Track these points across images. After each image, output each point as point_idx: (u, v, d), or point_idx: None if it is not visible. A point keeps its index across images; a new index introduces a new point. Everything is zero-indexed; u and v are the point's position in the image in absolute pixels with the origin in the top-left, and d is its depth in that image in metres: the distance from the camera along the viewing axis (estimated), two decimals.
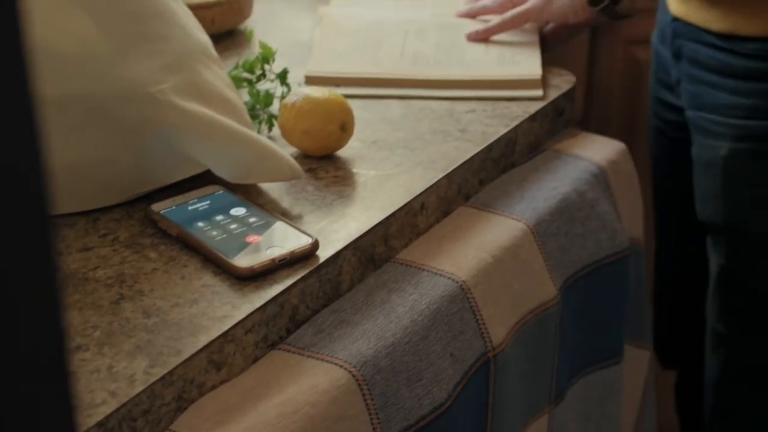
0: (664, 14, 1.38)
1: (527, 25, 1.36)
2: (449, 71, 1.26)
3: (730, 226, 1.30)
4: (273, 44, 1.22)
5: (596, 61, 1.66)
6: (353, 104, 1.15)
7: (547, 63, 1.33)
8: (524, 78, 1.24)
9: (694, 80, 1.31)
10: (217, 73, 1.03)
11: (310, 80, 1.19)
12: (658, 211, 1.50)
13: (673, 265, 1.51)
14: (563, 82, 1.26)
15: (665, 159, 1.45)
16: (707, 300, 1.38)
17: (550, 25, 1.38)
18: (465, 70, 1.26)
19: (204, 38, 1.05)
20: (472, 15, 1.40)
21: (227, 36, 1.40)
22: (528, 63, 1.28)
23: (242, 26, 1.43)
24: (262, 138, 0.99)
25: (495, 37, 1.34)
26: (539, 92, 1.22)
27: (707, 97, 1.28)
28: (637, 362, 1.30)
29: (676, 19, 1.33)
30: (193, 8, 1.32)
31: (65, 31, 0.93)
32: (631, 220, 1.22)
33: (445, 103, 1.20)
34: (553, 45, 1.38)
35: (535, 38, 1.34)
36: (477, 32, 1.34)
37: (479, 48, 1.31)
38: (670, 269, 1.51)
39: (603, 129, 1.67)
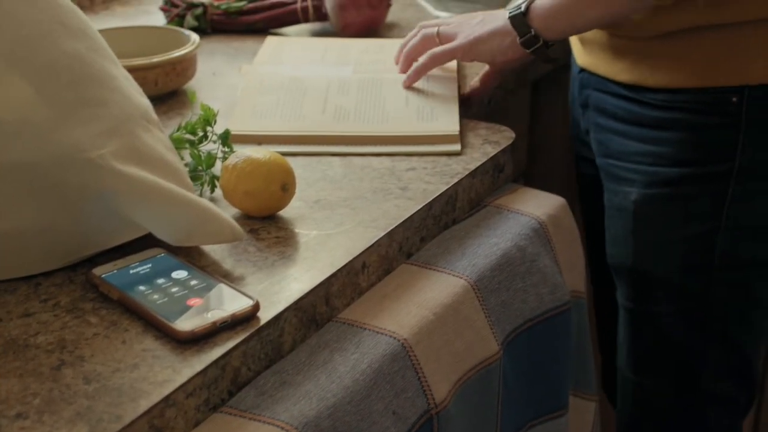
0: (574, 67, 1.43)
1: (448, 80, 1.38)
2: (370, 127, 1.28)
3: (637, 269, 1.34)
4: (216, 104, 1.23)
5: (538, 115, 1.68)
6: (295, 163, 1.16)
7: (487, 119, 1.35)
8: (442, 133, 1.26)
9: (601, 129, 1.35)
10: (158, 136, 1.04)
11: (234, 138, 1.20)
12: (591, 262, 1.53)
13: (609, 308, 1.54)
14: (503, 138, 1.28)
15: (592, 209, 1.49)
16: (617, 344, 1.41)
17: (482, 73, 1.39)
18: (385, 126, 1.28)
19: (144, 102, 1.06)
20: (406, 58, 1.41)
21: (171, 96, 1.41)
22: (446, 118, 1.30)
23: (186, 86, 1.44)
24: (203, 200, 1.00)
25: (415, 92, 1.36)
26: (457, 147, 1.24)
27: (616, 144, 1.32)
28: (583, 413, 1.31)
29: (582, 70, 1.38)
30: (136, 70, 1.33)
31: (3, 97, 0.94)
32: (572, 273, 1.24)
33: (386, 161, 1.21)
34: (482, 95, 1.40)
35: (455, 93, 1.36)
36: (408, 76, 1.36)
37: (399, 103, 1.33)
38: (607, 312, 1.54)
39: (546, 182, 1.69)
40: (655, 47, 1.27)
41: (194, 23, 1.65)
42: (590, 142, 1.40)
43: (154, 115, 1.06)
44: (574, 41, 1.42)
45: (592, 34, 1.34)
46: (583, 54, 1.37)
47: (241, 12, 1.66)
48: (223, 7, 1.66)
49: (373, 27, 1.64)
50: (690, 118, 1.27)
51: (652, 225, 1.31)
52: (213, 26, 1.67)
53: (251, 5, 1.67)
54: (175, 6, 1.68)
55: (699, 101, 1.26)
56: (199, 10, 1.66)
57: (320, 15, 1.65)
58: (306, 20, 1.65)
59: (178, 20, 1.66)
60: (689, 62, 1.26)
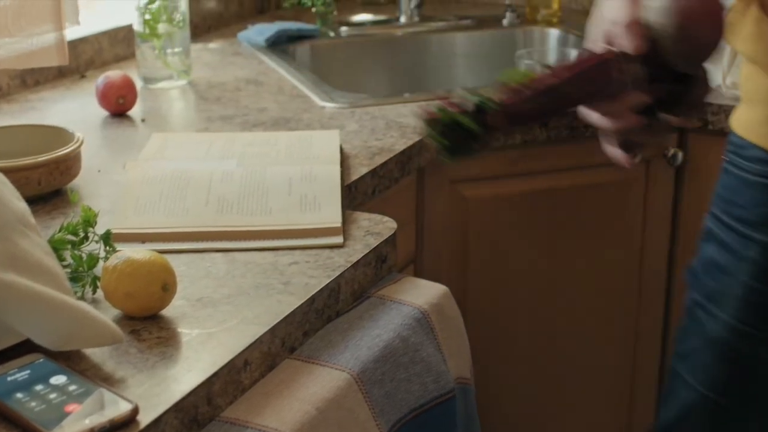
0: None
1: (331, 170, 1.40)
2: (252, 219, 1.29)
3: None
4: (101, 201, 1.23)
5: (424, 200, 1.71)
6: (178, 261, 1.17)
7: (370, 209, 1.38)
8: (325, 226, 1.28)
9: None
10: (35, 240, 1.04)
11: (117, 237, 1.20)
12: None
13: None
14: (385, 229, 1.30)
15: None
16: None
17: None
18: (268, 218, 1.30)
19: (21, 206, 1.06)
20: None
21: (55, 195, 1.41)
22: (329, 209, 1.32)
23: (71, 184, 1.43)
24: (82, 304, 1.00)
25: (298, 182, 1.37)
26: (339, 239, 1.26)
27: None
28: None
29: None
30: (19, 170, 1.33)
31: None
32: (457, 360, 1.26)
33: (269, 256, 1.23)
34: None
35: (337, 183, 1.38)
36: None
37: (282, 193, 1.35)
38: None
39: (434, 268, 1.72)
40: None
41: None
42: None
43: (31, 219, 1.06)
44: None
45: None
46: None
47: None
48: None
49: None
50: None
51: None
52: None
53: None
54: None
55: None
56: None
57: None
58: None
59: None
60: None
